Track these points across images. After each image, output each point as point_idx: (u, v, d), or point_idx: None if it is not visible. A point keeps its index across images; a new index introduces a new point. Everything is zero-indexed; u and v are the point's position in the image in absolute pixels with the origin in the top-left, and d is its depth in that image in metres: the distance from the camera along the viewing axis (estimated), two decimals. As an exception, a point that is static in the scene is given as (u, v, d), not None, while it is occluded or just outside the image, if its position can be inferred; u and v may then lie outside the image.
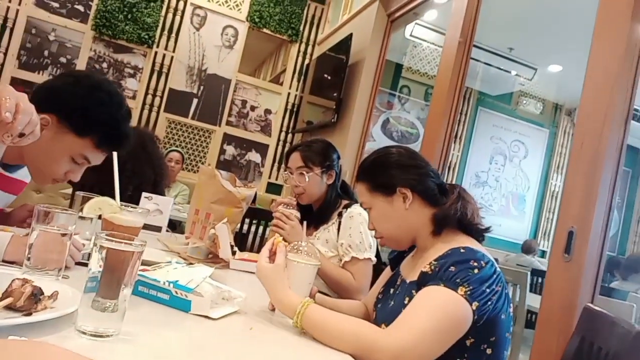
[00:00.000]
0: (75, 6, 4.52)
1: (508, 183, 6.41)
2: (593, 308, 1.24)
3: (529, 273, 2.47)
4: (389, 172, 1.23)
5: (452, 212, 1.16)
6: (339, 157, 1.97)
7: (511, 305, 1.11)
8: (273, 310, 1.11)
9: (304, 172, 1.86)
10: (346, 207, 1.85)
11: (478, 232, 1.18)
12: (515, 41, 5.10)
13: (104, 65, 4.62)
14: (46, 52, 4.39)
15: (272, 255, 1.11)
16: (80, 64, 4.52)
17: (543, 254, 6.17)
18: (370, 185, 1.24)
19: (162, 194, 2.10)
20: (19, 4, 4.29)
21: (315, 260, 1.13)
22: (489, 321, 1.02)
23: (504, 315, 1.07)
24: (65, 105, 1.15)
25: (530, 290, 2.90)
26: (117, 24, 4.57)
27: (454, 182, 1.29)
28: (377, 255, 1.86)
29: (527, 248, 5.34)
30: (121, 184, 1.17)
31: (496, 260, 1.14)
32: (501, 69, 5.52)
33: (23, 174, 1.33)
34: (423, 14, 4.39)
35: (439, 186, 1.22)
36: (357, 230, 1.76)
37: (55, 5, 4.45)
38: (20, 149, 1.10)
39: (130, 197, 1.37)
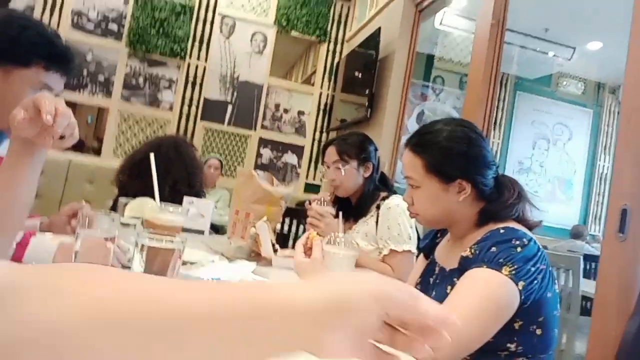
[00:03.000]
0: (110, 26, 4.66)
1: (553, 168, 6.20)
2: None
3: (581, 257, 2.38)
4: (454, 160, 1.12)
5: (514, 212, 1.09)
6: (376, 149, 1.94)
7: (556, 283, 1.07)
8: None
9: (340, 166, 1.84)
10: (384, 199, 1.82)
11: (529, 227, 1.12)
12: (550, 21, 4.93)
13: (140, 79, 4.75)
14: (85, 72, 4.55)
15: (308, 250, 1.10)
16: (118, 80, 4.66)
17: (594, 239, 5.92)
18: (427, 165, 1.13)
19: (199, 193, 2.14)
20: (57, 28, 4.47)
21: (353, 250, 1.11)
22: (536, 301, 0.98)
23: (550, 294, 1.02)
24: None
25: (584, 276, 2.79)
26: (150, 39, 4.69)
27: (502, 173, 1.20)
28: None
29: (576, 233, 5.13)
30: (158, 186, 1.18)
31: (545, 247, 1.09)
32: (538, 51, 5.34)
33: (2, 149, 1.29)
34: (452, 2, 4.30)
35: (495, 179, 1.15)
36: (395, 222, 1.74)
37: (91, 26, 4.61)
38: None
39: (166, 199, 1.39)
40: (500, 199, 1.12)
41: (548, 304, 1.02)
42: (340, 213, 1.40)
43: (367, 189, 1.87)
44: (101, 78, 4.62)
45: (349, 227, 1.87)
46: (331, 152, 1.89)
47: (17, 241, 1.03)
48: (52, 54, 1.21)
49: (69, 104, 0.89)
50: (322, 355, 0.36)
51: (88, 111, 5.18)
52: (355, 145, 1.88)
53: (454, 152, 1.12)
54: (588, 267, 3.73)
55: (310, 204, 1.78)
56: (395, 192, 1.90)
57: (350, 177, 1.85)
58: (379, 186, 1.91)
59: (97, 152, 4.75)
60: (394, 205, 1.76)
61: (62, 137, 0.86)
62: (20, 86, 1.17)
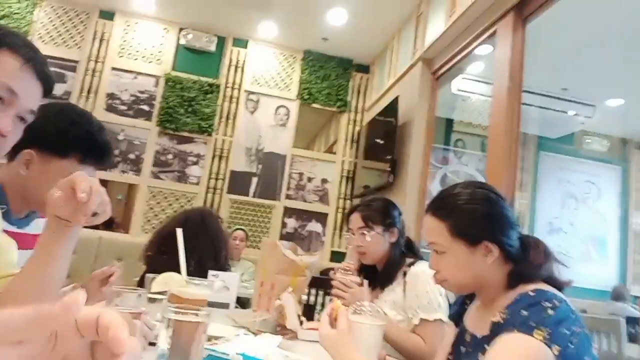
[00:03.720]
0: (141, 107, 4.92)
1: (584, 227, 6.02)
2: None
3: (623, 320, 2.26)
4: (478, 222, 1.11)
5: (542, 272, 1.07)
6: (400, 214, 1.93)
7: (593, 346, 1.01)
8: (343, 376, 1.07)
9: (365, 232, 1.82)
10: (410, 265, 1.79)
11: (559, 287, 1.08)
12: (567, 81, 4.99)
13: (169, 156, 4.92)
14: (117, 151, 4.75)
15: (334, 321, 1.08)
16: (148, 158, 4.85)
17: (636, 299, 5.62)
18: (452, 229, 1.12)
19: (224, 267, 2.14)
20: (92, 111, 4.73)
21: (380, 320, 1.09)
22: None
23: (588, 358, 0.97)
24: (40, 135, 1.20)
25: (629, 340, 2.63)
26: (179, 118, 4.91)
27: (526, 234, 1.18)
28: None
29: (617, 295, 4.89)
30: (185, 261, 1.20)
31: (584, 311, 1.05)
32: (558, 111, 5.37)
33: (33, 227, 1.35)
34: (468, 68, 4.42)
35: (520, 240, 1.13)
36: (424, 290, 1.68)
37: (123, 108, 4.88)
38: (23, 195, 1.20)
39: (192, 273, 1.41)
40: (527, 260, 1.10)
41: None
42: (366, 282, 1.38)
43: (393, 255, 1.84)
44: (132, 156, 4.82)
45: (375, 296, 1.82)
46: (355, 219, 1.88)
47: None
48: (90, 149, 1.29)
49: (101, 182, 0.94)
50: None
51: (119, 189, 5.35)
52: (379, 210, 1.88)
53: (478, 214, 1.12)
54: (633, 330, 3.52)
55: (335, 273, 1.76)
56: (421, 258, 1.87)
57: (376, 243, 1.82)
58: (405, 252, 1.88)
59: (126, 229, 4.85)
60: (421, 273, 1.72)
61: (94, 214, 0.90)
62: (54, 175, 1.23)
